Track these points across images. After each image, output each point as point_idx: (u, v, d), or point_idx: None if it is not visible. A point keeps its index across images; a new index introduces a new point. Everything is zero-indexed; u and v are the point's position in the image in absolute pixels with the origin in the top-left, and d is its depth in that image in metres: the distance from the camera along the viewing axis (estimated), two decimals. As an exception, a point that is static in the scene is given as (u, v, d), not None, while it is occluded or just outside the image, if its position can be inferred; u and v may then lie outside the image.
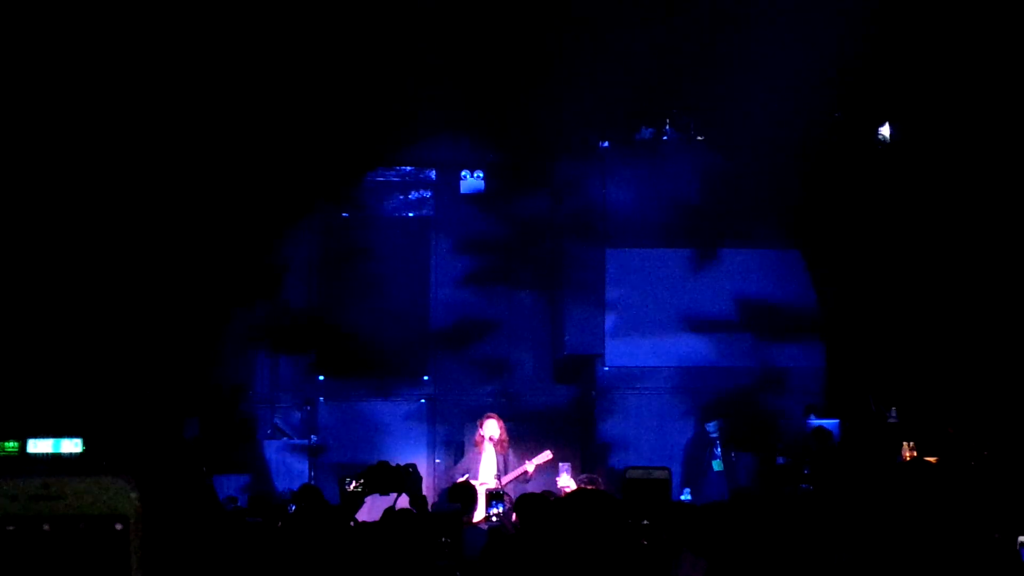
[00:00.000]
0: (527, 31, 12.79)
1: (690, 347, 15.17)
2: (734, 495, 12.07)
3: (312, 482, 13.60)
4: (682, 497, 12.67)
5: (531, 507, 8.22)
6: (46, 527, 1.60)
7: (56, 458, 11.48)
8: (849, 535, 6.27)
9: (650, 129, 15.00)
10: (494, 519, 9.98)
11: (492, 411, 13.57)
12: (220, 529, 6.65)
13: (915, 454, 12.66)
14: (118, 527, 1.62)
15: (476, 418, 13.46)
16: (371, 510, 8.03)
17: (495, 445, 12.93)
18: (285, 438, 14.60)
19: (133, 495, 1.64)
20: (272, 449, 14.34)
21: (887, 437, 13.15)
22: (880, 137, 14.01)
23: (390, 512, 7.62)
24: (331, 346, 15.09)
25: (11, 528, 1.61)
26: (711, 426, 14.25)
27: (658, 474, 5.99)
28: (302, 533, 7.05)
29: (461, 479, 11.84)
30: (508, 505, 10.33)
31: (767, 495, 11.75)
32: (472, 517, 10.16)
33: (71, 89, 11.32)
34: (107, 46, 11.23)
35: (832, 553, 5.53)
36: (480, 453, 12.97)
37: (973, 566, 4.31)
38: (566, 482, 12.48)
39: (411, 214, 15.28)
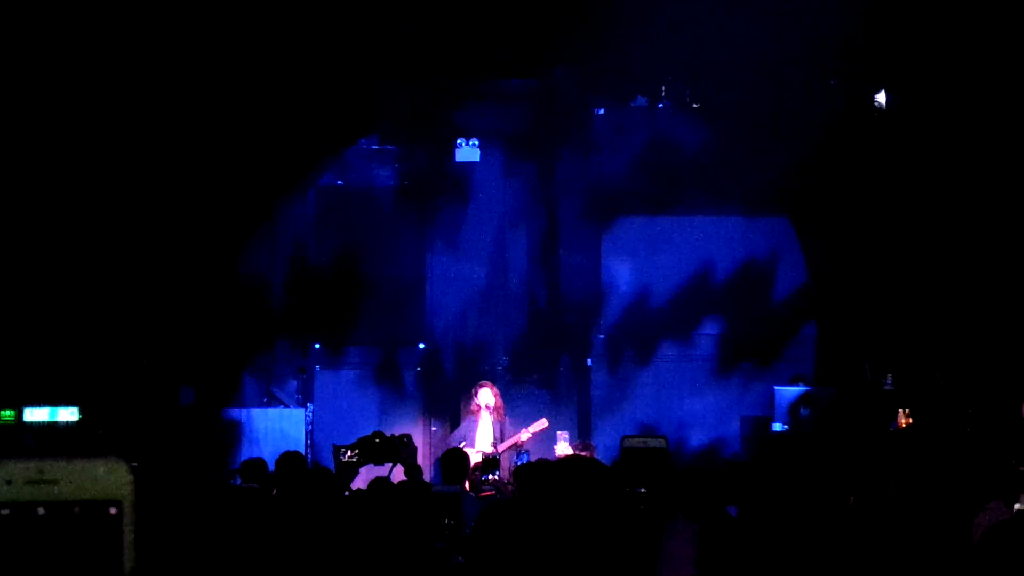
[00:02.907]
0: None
1: (685, 314, 15.19)
2: (727, 462, 12.11)
3: (308, 451, 13.61)
4: None
5: (528, 476, 8.24)
6: (41, 511, 1.61)
7: (52, 427, 11.53)
8: (843, 502, 6.29)
9: (645, 97, 14.97)
10: (489, 486, 10.01)
11: (487, 379, 13.58)
12: (213, 498, 6.65)
13: (911, 421, 12.71)
14: (112, 511, 1.63)
15: (472, 386, 13.47)
16: (367, 479, 8.05)
17: (491, 413, 12.94)
18: (281, 406, 14.58)
19: (128, 479, 1.64)
20: (267, 418, 14.32)
21: (883, 404, 13.19)
22: (876, 104, 13.99)
23: (379, 482, 7.61)
24: (327, 314, 15.07)
25: (6, 512, 1.61)
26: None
27: (655, 443, 6.00)
28: (296, 502, 7.05)
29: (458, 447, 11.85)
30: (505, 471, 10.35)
31: (758, 461, 11.79)
32: (466, 485, 10.18)
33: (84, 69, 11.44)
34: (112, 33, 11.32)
35: (825, 518, 5.55)
36: (476, 421, 12.99)
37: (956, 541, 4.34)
38: (564, 450, 12.51)
39: (407, 182, 15.25)
